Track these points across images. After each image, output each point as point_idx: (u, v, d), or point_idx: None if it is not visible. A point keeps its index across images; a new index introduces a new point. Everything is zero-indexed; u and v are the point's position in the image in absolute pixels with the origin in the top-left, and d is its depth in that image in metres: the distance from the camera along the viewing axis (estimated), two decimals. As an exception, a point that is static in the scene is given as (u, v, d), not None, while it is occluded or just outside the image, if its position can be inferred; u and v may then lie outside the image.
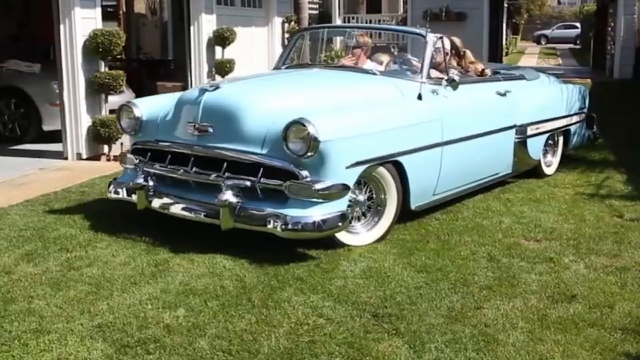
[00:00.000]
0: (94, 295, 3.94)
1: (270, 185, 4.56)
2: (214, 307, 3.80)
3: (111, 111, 8.04)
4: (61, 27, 7.70)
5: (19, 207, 5.92)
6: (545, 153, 7.18)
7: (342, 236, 4.74)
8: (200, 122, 4.83)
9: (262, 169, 4.58)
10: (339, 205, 4.57)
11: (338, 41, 13.65)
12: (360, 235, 4.92)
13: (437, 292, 4.08)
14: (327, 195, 4.46)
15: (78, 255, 4.63)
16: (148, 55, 14.00)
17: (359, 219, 4.95)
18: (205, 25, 10.58)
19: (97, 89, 7.92)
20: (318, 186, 4.42)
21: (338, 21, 19.01)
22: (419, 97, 5.36)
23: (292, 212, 4.44)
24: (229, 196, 4.51)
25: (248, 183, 4.59)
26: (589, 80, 16.88)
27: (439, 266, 4.50)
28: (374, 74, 5.82)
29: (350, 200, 4.75)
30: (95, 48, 7.72)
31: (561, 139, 7.44)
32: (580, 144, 7.91)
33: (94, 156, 8.06)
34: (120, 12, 14.83)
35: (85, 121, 7.94)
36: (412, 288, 4.13)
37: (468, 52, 6.69)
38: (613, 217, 5.76)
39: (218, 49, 10.83)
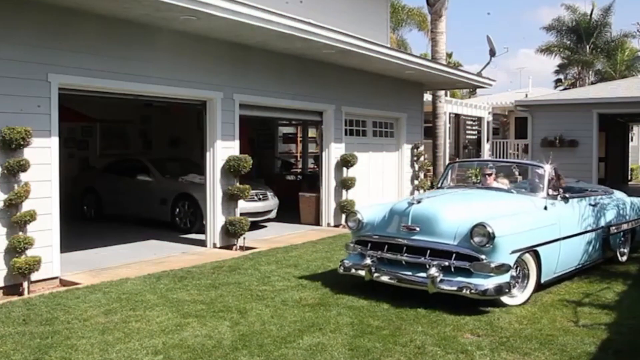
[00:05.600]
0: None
1: (460, 265, 6.69)
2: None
3: (242, 214, 10.61)
4: (207, 154, 10.41)
5: (141, 278, 7.87)
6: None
7: (503, 298, 6.79)
8: (410, 224, 7.07)
9: (454, 254, 6.76)
10: (505, 278, 6.68)
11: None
12: (515, 298, 6.94)
13: None
14: (499, 271, 6.61)
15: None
16: (309, 171, 17.30)
17: (513, 287, 6.91)
18: (333, 151, 13.11)
19: (230, 198, 10.55)
20: (493, 265, 6.60)
21: (487, 146, 20.63)
22: (545, 207, 7.71)
23: (476, 282, 6.56)
24: (434, 271, 6.65)
25: (447, 263, 6.73)
26: None
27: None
28: (511, 192, 8.23)
29: (510, 275, 6.78)
30: (228, 169, 10.37)
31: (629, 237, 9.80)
32: None
33: (225, 246, 10.47)
34: (298, 138, 18.45)
35: (220, 220, 10.51)
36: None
37: (561, 174, 8.76)
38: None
39: (344, 168, 13.26)
